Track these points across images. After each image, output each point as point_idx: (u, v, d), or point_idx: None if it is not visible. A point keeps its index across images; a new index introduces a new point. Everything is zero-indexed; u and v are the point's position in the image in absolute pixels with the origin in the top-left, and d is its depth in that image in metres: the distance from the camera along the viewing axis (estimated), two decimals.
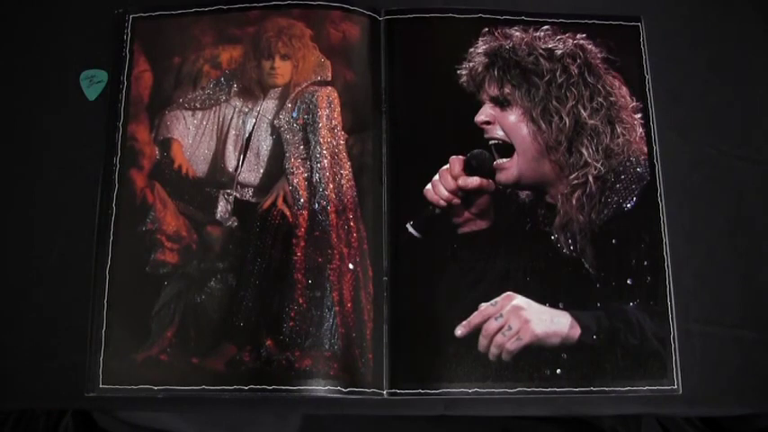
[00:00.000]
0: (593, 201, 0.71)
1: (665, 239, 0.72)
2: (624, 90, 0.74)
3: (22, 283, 0.71)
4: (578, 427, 0.78)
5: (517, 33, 0.75)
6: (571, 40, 0.75)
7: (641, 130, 0.74)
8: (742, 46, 0.80)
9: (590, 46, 0.75)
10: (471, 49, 0.75)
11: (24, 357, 0.69)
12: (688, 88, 0.78)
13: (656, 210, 0.72)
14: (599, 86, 0.73)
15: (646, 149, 0.73)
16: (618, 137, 0.72)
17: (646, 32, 0.77)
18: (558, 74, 0.72)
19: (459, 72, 0.74)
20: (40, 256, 0.71)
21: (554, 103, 0.72)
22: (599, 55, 0.75)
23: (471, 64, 0.74)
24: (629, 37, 0.77)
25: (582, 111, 0.72)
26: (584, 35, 0.76)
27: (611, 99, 0.73)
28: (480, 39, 0.75)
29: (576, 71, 0.73)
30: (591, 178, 0.71)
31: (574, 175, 0.71)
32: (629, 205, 0.72)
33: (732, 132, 0.77)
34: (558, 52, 0.74)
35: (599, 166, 0.71)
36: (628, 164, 0.72)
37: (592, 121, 0.72)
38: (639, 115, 0.74)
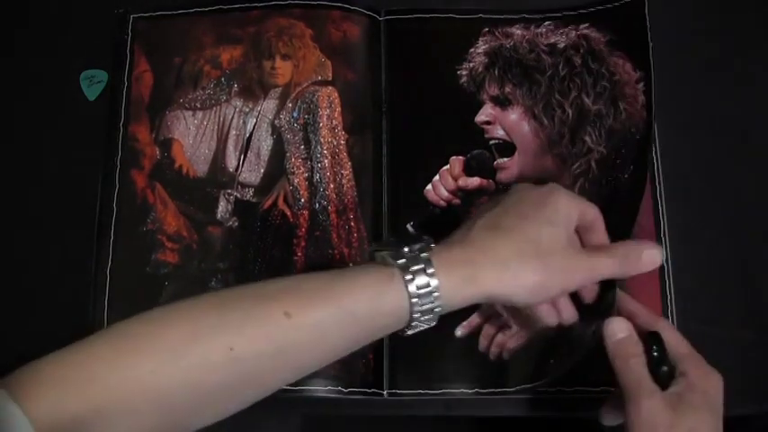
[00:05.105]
0: (594, 186, 0.70)
1: (665, 239, 0.71)
2: (628, 66, 0.73)
3: (21, 283, 0.71)
4: (579, 427, 0.78)
5: (518, 32, 0.75)
6: (574, 32, 0.74)
7: (643, 98, 0.72)
8: (742, 45, 0.80)
9: (593, 33, 0.74)
10: (471, 49, 0.75)
11: (24, 357, 0.69)
12: (688, 88, 0.78)
13: (656, 209, 0.72)
14: (603, 70, 0.72)
15: (645, 115, 0.72)
16: (621, 113, 0.71)
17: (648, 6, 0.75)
18: (560, 67, 0.72)
19: (459, 72, 0.74)
20: (40, 256, 0.71)
21: (557, 96, 0.71)
22: (603, 39, 0.74)
23: (471, 64, 0.74)
24: (632, 13, 0.75)
25: (585, 98, 0.71)
26: (586, 24, 0.75)
27: (615, 78, 0.72)
28: (480, 39, 0.75)
29: (579, 61, 0.72)
30: (593, 163, 0.70)
31: (576, 164, 0.71)
32: (626, 175, 0.70)
33: (732, 132, 0.77)
34: (561, 45, 0.73)
35: (601, 149, 0.71)
36: (628, 136, 0.71)
37: (596, 107, 0.71)
38: (642, 84, 0.72)
